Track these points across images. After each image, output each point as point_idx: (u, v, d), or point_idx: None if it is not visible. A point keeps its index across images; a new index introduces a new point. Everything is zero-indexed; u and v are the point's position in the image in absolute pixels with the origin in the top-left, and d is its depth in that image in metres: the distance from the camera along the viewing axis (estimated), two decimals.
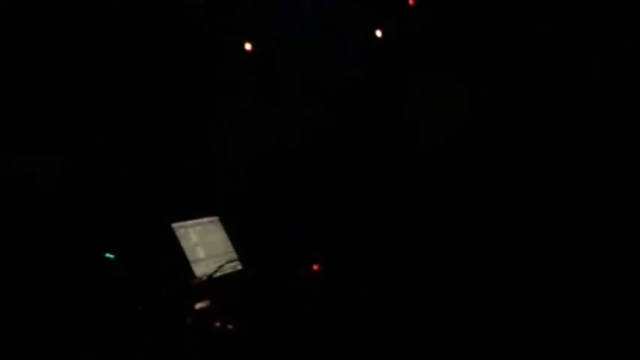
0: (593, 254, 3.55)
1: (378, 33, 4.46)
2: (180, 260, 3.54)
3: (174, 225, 3.62)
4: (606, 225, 3.64)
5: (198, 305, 3.23)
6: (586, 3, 3.95)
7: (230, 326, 3.09)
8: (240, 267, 3.79)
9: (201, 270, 3.58)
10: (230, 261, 3.71)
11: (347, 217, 4.18)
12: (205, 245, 3.72)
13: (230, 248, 3.86)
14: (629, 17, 3.86)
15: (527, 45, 3.99)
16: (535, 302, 3.37)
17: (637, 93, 3.79)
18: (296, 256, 3.67)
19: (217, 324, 3.10)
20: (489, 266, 3.55)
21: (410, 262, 3.60)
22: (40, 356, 2.96)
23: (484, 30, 4.08)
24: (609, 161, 3.77)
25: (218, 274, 3.54)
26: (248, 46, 4.49)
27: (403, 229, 3.88)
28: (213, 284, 3.47)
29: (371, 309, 3.23)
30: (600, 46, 3.90)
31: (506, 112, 3.87)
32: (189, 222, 3.72)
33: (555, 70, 3.96)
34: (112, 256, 3.46)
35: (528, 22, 3.99)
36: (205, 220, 3.83)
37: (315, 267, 3.64)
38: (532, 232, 3.64)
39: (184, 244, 3.61)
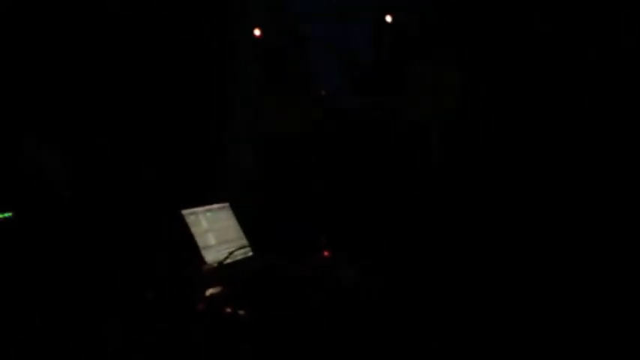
0: (594, 252, 3.58)
1: (388, 18, 4.47)
2: (190, 247, 3.56)
3: (184, 211, 3.62)
4: (605, 222, 3.67)
5: (209, 291, 3.25)
6: (586, 3, 3.96)
7: (241, 312, 3.10)
8: (250, 253, 3.82)
9: (211, 256, 3.60)
10: (241, 247, 3.74)
11: (348, 215, 4.19)
12: (216, 231, 3.73)
13: (241, 234, 3.88)
14: (629, 17, 3.88)
15: (528, 44, 4.01)
16: (535, 302, 3.40)
17: (637, 93, 3.81)
18: (306, 244, 3.71)
19: (228, 310, 3.11)
20: (489, 266, 3.57)
21: (410, 261, 3.62)
22: (50, 343, 3.02)
23: (484, 29, 4.10)
24: (609, 160, 3.79)
25: (229, 260, 3.57)
26: (257, 32, 4.49)
27: (404, 228, 3.90)
28: (224, 270, 3.50)
29: (371, 309, 3.27)
30: (600, 46, 3.92)
31: (506, 112, 3.89)
32: (200, 208, 3.73)
33: (555, 69, 3.98)
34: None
35: (528, 22, 4.00)
36: (215, 206, 3.85)
37: (325, 253, 3.68)
38: (532, 230, 3.67)
39: (195, 230, 3.61)
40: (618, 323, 3.36)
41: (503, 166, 3.85)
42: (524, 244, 3.68)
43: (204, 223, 3.72)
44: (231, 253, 3.63)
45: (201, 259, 3.58)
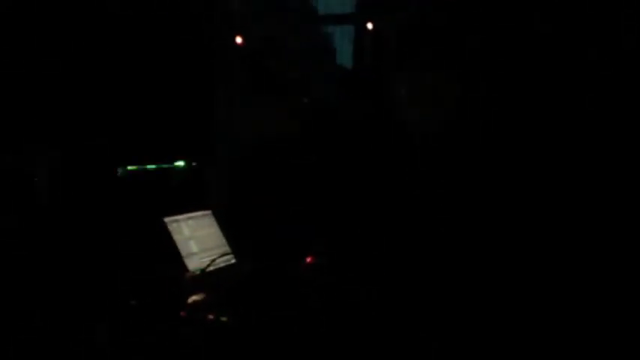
0: (593, 251, 3.57)
1: (369, 25, 4.48)
2: (172, 254, 3.52)
3: (166, 219, 3.60)
4: (605, 222, 3.67)
5: (192, 299, 3.21)
6: (586, 3, 3.97)
7: (224, 319, 3.07)
8: (233, 260, 3.76)
9: (194, 264, 3.56)
10: (223, 254, 3.68)
11: (346, 216, 4.18)
12: (198, 239, 3.69)
13: (223, 242, 3.83)
14: (629, 17, 3.89)
15: (527, 44, 4.01)
16: (535, 301, 3.38)
17: (637, 93, 3.82)
18: (291, 251, 3.68)
19: (211, 317, 3.08)
20: (489, 266, 3.56)
21: (410, 262, 3.61)
22: (35, 352, 2.96)
23: (483, 29, 4.10)
24: (608, 160, 3.79)
25: (211, 268, 3.51)
26: (239, 40, 4.49)
27: (403, 229, 3.88)
28: (207, 278, 3.44)
29: (371, 309, 3.24)
30: (600, 46, 3.93)
31: (505, 112, 3.89)
32: (182, 216, 3.69)
33: (555, 69, 3.98)
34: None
35: (528, 22, 4.00)
36: (198, 213, 3.80)
37: (308, 259, 3.64)
38: (530, 229, 3.65)
39: (177, 238, 3.58)
40: (618, 323, 3.34)
41: (502, 167, 3.83)
42: (524, 245, 3.66)
43: (187, 231, 3.69)
44: (213, 261, 3.57)
45: (183, 267, 3.54)
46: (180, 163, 3.66)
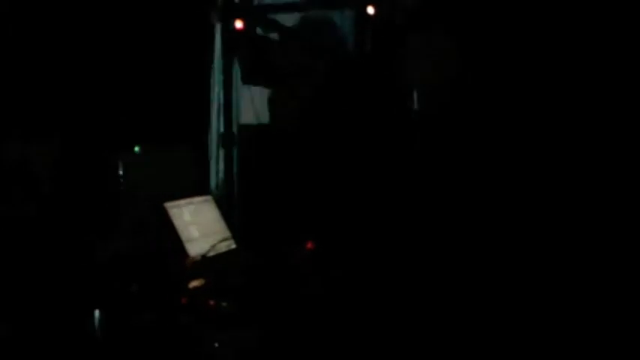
0: (594, 250, 3.55)
1: (370, 10, 4.44)
2: (173, 239, 3.54)
3: (167, 204, 3.61)
4: (604, 221, 3.64)
5: (192, 284, 3.23)
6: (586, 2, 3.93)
7: (224, 304, 3.09)
8: (233, 246, 3.79)
9: (194, 249, 3.57)
10: (223, 240, 3.71)
11: (343, 208, 4.17)
12: (199, 224, 3.71)
13: (224, 227, 3.86)
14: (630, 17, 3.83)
15: (527, 42, 3.97)
16: (535, 300, 3.37)
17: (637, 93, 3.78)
18: (290, 238, 3.68)
19: (211, 302, 3.09)
20: (489, 263, 3.55)
21: (409, 258, 3.61)
22: (33, 335, 2.97)
23: (482, 23, 4.05)
24: (609, 159, 3.75)
25: (212, 253, 3.55)
26: (239, 24, 4.44)
27: (401, 223, 3.88)
28: (207, 263, 3.48)
29: (369, 307, 3.25)
30: (600, 45, 3.88)
31: (503, 108, 3.86)
32: (183, 201, 3.71)
33: (555, 67, 3.95)
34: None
35: (528, 21, 3.96)
36: (199, 199, 3.83)
37: (309, 245, 3.64)
38: (529, 223, 3.63)
39: (178, 223, 3.59)
40: (618, 323, 3.33)
41: (500, 164, 3.81)
42: (523, 243, 3.64)
43: (187, 216, 3.70)
44: (214, 246, 3.60)
45: (184, 252, 3.54)
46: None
